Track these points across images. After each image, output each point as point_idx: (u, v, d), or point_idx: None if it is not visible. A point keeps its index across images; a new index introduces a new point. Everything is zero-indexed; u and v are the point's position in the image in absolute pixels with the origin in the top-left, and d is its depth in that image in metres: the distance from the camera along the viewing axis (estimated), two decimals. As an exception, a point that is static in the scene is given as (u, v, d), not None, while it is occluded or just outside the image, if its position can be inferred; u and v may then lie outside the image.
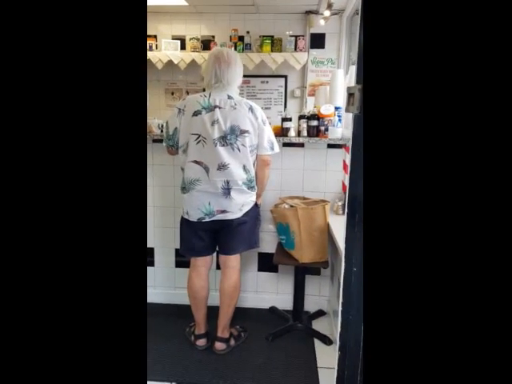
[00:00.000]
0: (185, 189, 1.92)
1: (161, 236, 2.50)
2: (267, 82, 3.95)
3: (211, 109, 1.84)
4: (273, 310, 2.49)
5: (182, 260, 2.43)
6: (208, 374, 1.87)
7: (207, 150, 1.84)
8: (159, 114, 3.38)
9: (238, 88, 1.96)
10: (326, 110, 2.30)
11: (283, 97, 3.96)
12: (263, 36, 3.70)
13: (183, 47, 3.82)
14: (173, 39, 3.84)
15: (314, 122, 2.31)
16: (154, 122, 2.42)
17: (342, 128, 2.32)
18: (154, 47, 3.76)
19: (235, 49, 3.61)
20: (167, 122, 1.96)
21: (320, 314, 2.45)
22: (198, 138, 1.85)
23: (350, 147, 0.94)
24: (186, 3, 3.48)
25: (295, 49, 3.65)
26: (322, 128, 2.31)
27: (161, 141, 2.06)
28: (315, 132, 2.32)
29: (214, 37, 3.87)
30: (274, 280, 2.52)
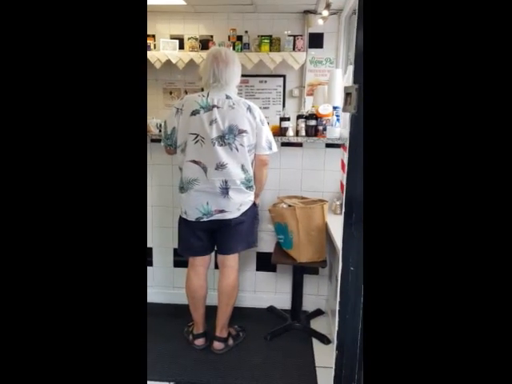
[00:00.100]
0: (183, 188, 1.92)
1: (159, 236, 2.50)
2: (265, 81, 3.95)
3: (209, 108, 1.84)
4: (271, 309, 2.50)
5: (181, 260, 2.43)
6: (206, 373, 1.88)
7: (205, 150, 1.84)
8: (157, 113, 3.37)
9: (237, 87, 1.96)
10: (324, 109, 2.30)
11: (281, 96, 3.96)
12: (261, 36, 3.70)
13: (181, 47, 3.82)
14: (171, 39, 3.83)
15: (313, 122, 2.31)
16: (152, 121, 2.43)
17: (340, 128, 2.32)
18: (152, 47, 3.75)
19: (233, 48, 3.61)
20: (165, 122, 1.96)
21: (318, 313, 2.46)
22: (196, 137, 1.85)
23: (348, 147, 0.94)
24: (184, 3, 3.48)
25: (293, 48, 3.65)
26: (320, 128, 2.31)
27: (159, 140, 2.06)
28: (313, 132, 2.32)
29: (212, 36, 3.87)
30: (272, 279, 2.52)
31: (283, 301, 2.48)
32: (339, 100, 2.35)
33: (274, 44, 3.69)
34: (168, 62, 3.74)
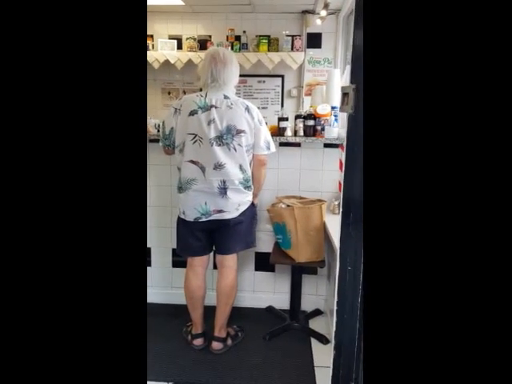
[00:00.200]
0: (181, 188, 1.92)
1: (157, 236, 2.50)
2: (264, 81, 3.96)
3: (207, 108, 1.84)
4: (270, 309, 2.50)
5: (179, 260, 2.43)
6: (205, 373, 1.87)
7: (203, 150, 1.84)
8: (156, 113, 3.37)
9: (235, 88, 1.96)
10: (323, 109, 2.30)
11: (280, 96, 3.97)
12: (260, 36, 3.70)
13: (180, 47, 3.82)
14: (169, 39, 3.83)
15: (311, 122, 2.32)
16: (150, 121, 2.43)
17: (339, 127, 2.33)
18: (150, 47, 3.75)
19: (232, 48, 3.61)
20: (163, 122, 1.96)
21: (317, 313, 2.46)
22: (194, 137, 1.85)
23: (345, 147, 0.94)
24: (182, 3, 3.47)
25: (292, 48, 3.65)
26: (319, 127, 2.32)
27: (157, 140, 2.06)
28: (312, 131, 2.33)
29: (210, 36, 3.87)
30: (270, 279, 2.53)
31: (282, 301, 2.48)
32: (337, 100, 2.36)
33: (273, 44, 3.69)
34: (166, 62, 3.74)
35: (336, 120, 2.32)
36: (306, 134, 2.32)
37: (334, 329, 0.99)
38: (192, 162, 1.87)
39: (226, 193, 1.87)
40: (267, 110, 3.94)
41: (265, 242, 2.44)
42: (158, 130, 2.30)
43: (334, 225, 2.05)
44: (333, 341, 1.01)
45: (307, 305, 2.46)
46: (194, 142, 1.85)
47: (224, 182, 1.86)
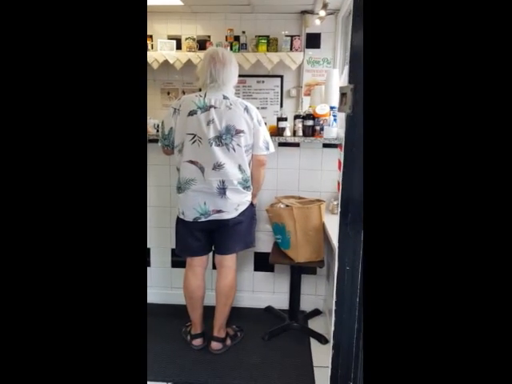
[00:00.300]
0: (180, 189, 1.92)
1: (157, 236, 2.50)
2: (263, 81, 3.96)
3: (206, 108, 1.84)
4: (269, 309, 2.50)
5: (178, 260, 2.43)
6: (204, 373, 1.88)
7: (202, 150, 1.85)
8: (155, 113, 3.37)
9: (234, 88, 1.96)
10: (322, 109, 2.31)
11: (279, 96, 3.97)
12: (259, 36, 3.71)
13: (179, 47, 3.82)
14: (168, 39, 3.84)
15: (310, 122, 2.32)
16: (149, 121, 2.43)
17: (338, 128, 2.33)
18: (149, 47, 3.76)
19: (231, 49, 3.61)
20: (163, 122, 1.96)
21: (316, 313, 2.46)
22: (193, 137, 1.85)
23: (343, 147, 0.94)
24: (181, 3, 3.48)
25: (291, 49, 3.66)
26: (318, 128, 2.32)
27: (156, 141, 2.06)
28: (311, 132, 2.33)
29: (209, 37, 3.87)
30: (270, 279, 2.53)
31: (281, 301, 2.48)
32: (336, 100, 2.36)
33: (272, 44, 3.70)
34: (165, 62, 3.74)
35: (335, 120, 2.32)
36: (304, 134, 2.32)
37: (333, 329, 0.99)
38: (191, 162, 1.87)
39: (225, 193, 1.87)
40: (266, 110, 3.94)
41: (264, 242, 2.44)
42: (157, 130, 2.30)
43: (333, 225, 2.05)
44: (331, 340, 1.01)
45: (306, 305, 2.46)
46: (193, 142, 1.85)
47: (223, 182, 1.86)
